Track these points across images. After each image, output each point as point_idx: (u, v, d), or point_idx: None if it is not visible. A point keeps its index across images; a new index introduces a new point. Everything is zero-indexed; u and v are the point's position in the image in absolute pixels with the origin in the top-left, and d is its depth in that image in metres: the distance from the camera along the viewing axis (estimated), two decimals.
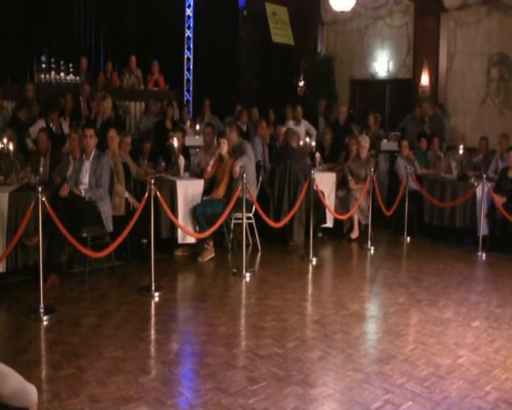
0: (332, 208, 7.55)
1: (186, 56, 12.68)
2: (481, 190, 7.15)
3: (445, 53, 10.66)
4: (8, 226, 5.47)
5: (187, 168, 7.15)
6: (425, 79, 10.69)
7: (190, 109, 11.81)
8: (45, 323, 4.66)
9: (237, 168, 6.68)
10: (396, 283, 5.97)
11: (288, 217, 6.88)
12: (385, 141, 9.85)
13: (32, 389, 2.45)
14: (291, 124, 9.26)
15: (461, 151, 8.20)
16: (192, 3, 12.66)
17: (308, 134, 9.38)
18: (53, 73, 9.49)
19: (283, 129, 8.29)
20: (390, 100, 12.00)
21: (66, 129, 8.05)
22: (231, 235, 6.95)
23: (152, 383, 3.64)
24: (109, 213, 5.92)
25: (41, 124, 7.67)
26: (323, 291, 5.86)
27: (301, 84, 12.50)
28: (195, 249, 6.81)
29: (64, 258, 5.85)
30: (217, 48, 12.20)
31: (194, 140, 8.89)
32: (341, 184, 7.94)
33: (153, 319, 4.92)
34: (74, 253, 6.00)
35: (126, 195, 6.30)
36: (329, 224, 7.81)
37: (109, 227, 5.88)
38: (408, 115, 10.32)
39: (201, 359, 4.03)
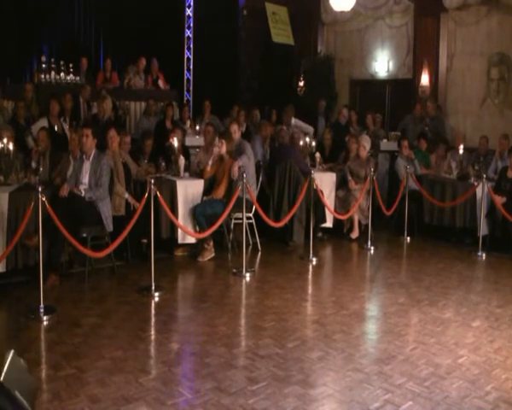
0: (332, 208, 7.55)
1: (186, 56, 12.67)
2: (481, 190, 7.15)
3: (445, 53, 10.65)
4: (9, 226, 5.47)
5: (187, 168, 7.15)
6: (425, 79, 10.69)
7: (190, 109, 11.80)
8: (45, 323, 4.66)
9: (235, 169, 6.67)
10: (396, 283, 5.97)
11: (288, 217, 6.89)
12: (385, 141, 9.84)
13: None
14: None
15: (461, 151, 8.20)
16: (192, 3, 12.65)
17: (304, 133, 9.28)
18: (53, 73, 9.48)
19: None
20: (390, 100, 11.98)
21: (66, 129, 8.05)
22: (231, 235, 6.94)
23: (152, 383, 3.64)
24: (109, 213, 5.92)
25: (43, 123, 7.66)
26: (323, 291, 5.86)
27: (301, 84, 12.50)
28: (195, 249, 6.81)
29: (64, 258, 5.86)
30: (217, 48, 12.19)
31: (195, 140, 8.88)
32: (341, 184, 7.94)
33: (153, 319, 4.92)
34: (74, 253, 6.01)
35: (126, 196, 6.31)
36: (329, 224, 7.81)
37: (109, 227, 5.88)
38: (408, 116, 10.32)
39: (201, 359, 4.03)
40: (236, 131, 7.09)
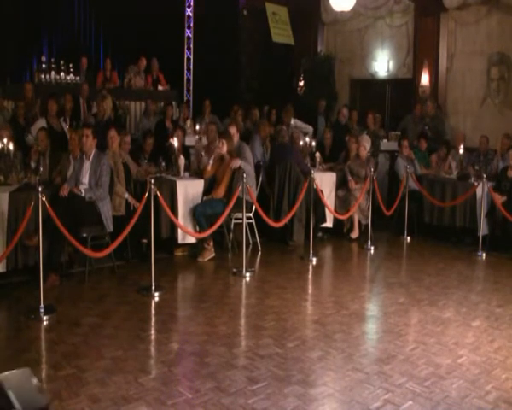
0: (332, 208, 7.55)
1: (186, 56, 12.66)
2: (481, 189, 7.15)
3: (445, 53, 10.64)
4: (9, 226, 5.46)
5: (187, 168, 7.15)
6: (425, 79, 10.68)
7: (190, 109, 11.80)
8: (45, 323, 4.66)
9: (237, 163, 6.67)
10: (396, 282, 5.97)
11: (288, 217, 6.89)
12: (385, 141, 9.85)
13: None
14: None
15: (461, 151, 8.20)
16: (192, 3, 12.64)
17: (304, 133, 9.26)
18: (53, 73, 9.48)
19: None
20: (390, 100, 11.98)
21: (65, 129, 8.04)
22: (231, 235, 6.94)
23: (152, 383, 3.64)
24: (109, 213, 5.92)
25: (42, 123, 7.66)
26: (323, 291, 5.86)
27: (301, 83, 12.50)
28: (195, 249, 6.81)
29: (64, 258, 5.85)
30: (217, 48, 12.20)
31: (194, 140, 8.87)
32: (341, 184, 7.94)
33: (153, 319, 4.92)
34: (74, 253, 6.00)
35: (126, 196, 6.31)
36: (329, 224, 7.81)
37: (109, 227, 5.88)
38: (408, 116, 10.33)
39: (201, 358, 4.03)
40: (235, 134, 7.08)
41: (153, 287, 5.39)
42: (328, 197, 7.71)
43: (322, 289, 6.00)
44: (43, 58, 9.83)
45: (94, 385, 3.59)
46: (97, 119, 8.29)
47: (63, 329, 4.53)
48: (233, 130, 7.07)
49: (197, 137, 8.28)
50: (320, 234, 7.78)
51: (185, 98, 12.37)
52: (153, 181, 5.44)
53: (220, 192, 6.79)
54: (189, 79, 12.73)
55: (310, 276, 6.38)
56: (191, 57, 12.70)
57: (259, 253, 7.03)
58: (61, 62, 9.61)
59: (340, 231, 7.93)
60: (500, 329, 4.72)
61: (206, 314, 4.93)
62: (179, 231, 6.43)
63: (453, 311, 5.13)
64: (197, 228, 6.61)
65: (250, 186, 6.48)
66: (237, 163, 6.70)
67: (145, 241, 6.36)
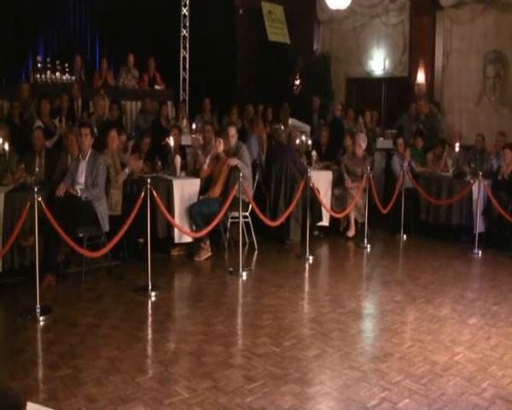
0: (328, 207, 7.56)
1: (182, 55, 12.65)
2: (477, 187, 7.17)
3: (440, 51, 10.67)
4: (5, 227, 5.45)
5: (183, 167, 7.15)
6: (421, 77, 10.71)
7: (186, 109, 11.78)
8: (42, 323, 4.65)
9: (235, 161, 6.67)
10: (392, 281, 5.98)
11: (285, 215, 6.89)
12: (381, 139, 9.86)
13: None
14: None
15: (457, 149, 8.21)
16: (188, 2, 12.61)
17: (301, 132, 9.26)
18: (48, 72, 9.46)
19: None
20: (386, 98, 12.01)
21: (58, 128, 8.01)
22: (228, 234, 6.95)
23: (149, 383, 3.64)
24: (105, 213, 5.92)
25: (37, 123, 7.64)
26: (320, 290, 5.86)
27: (297, 82, 12.50)
28: (192, 249, 6.81)
29: (60, 258, 5.84)
30: (213, 47, 12.18)
31: (191, 138, 8.86)
32: (338, 183, 7.94)
33: (149, 319, 4.92)
34: (71, 253, 6.00)
35: (127, 170, 6.34)
36: (326, 222, 7.82)
37: (105, 227, 5.88)
38: (404, 114, 10.35)
39: (198, 358, 4.03)
40: (234, 135, 7.06)
41: (149, 287, 5.39)
42: (325, 196, 7.72)
43: (319, 287, 6.01)
44: (39, 58, 9.80)
45: (91, 385, 3.59)
46: (95, 118, 8.28)
47: (60, 329, 4.52)
48: (232, 131, 7.05)
49: (193, 135, 8.28)
50: (316, 233, 7.79)
51: (181, 98, 12.35)
52: (149, 180, 5.44)
53: (216, 191, 6.79)
54: (185, 79, 12.70)
55: (306, 274, 6.38)
56: (187, 56, 12.67)
57: (256, 252, 7.03)
58: (57, 62, 9.59)
59: (337, 229, 7.94)
60: (496, 326, 4.73)
61: (202, 314, 4.93)
62: (176, 230, 6.43)
63: (449, 309, 5.14)
64: (193, 227, 6.60)
65: (247, 186, 6.48)
66: (235, 161, 6.70)
67: (141, 240, 6.35)
